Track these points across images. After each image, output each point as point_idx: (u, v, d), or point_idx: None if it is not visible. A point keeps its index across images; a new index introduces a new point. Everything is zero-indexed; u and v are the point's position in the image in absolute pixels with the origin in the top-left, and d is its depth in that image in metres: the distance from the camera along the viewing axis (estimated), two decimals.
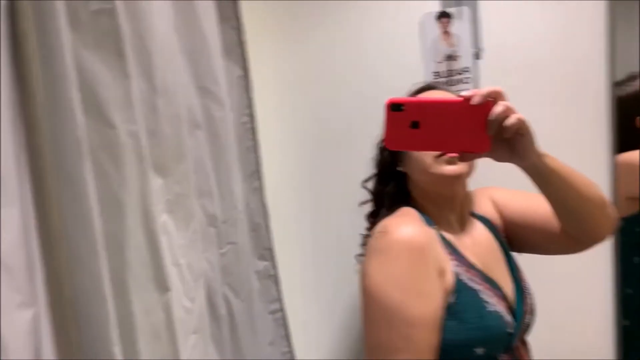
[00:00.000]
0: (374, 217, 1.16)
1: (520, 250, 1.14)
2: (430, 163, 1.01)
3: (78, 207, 0.77)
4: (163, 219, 0.97)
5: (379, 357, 0.92)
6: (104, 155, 0.84)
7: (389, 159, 1.13)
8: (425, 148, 0.91)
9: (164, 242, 0.94)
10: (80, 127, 0.77)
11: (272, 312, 1.39)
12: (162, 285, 0.92)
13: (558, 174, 0.87)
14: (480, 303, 0.95)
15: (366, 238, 1.13)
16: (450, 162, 0.99)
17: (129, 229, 0.87)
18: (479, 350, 0.94)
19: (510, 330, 0.96)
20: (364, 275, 0.98)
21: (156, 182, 0.96)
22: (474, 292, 0.96)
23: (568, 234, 1.02)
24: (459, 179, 1.03)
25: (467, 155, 0.83)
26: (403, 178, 1.11)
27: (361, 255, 1.11)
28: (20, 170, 0.70)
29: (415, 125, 0.77)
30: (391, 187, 1.13)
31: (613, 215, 1.01)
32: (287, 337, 1.41)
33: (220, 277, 1.21)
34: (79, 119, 0.77)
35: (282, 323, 1.41)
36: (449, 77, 1.41)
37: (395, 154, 1.10)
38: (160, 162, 0.97)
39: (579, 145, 1.36)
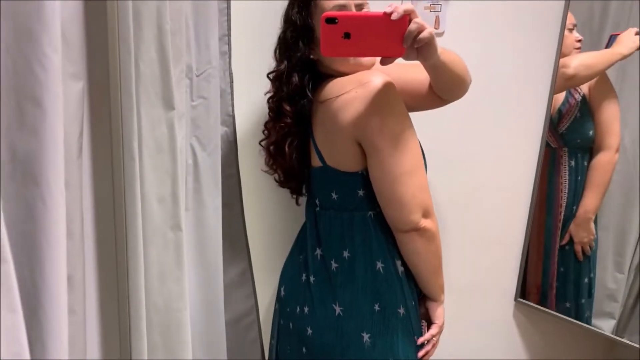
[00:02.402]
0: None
1: None
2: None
3: None
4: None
5: (407, 178, 1.12)
6: None
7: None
8: (355, 54, 1.09)
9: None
10: None
11: (227, 177, 1.46)
12: (168, 103, 0.96)
13: (447, 65, 1.13)
14: None
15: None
16: None
17: None
18: None
19: None
20: (376, 126, 1.11)
21: None
22: None
23: (437, 96, 1.29)
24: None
25: (386, 59, 1.03)
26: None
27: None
28: None
29: (347, 35, 0.97)
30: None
31: (469, 83, 1.29)
32: (240, 200, 1.49)
33: (190, 129, 1.25)
34: None
35: (237, 188, 1.48)
36: None
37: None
38: None
39: None
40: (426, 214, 1.16)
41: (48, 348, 0.66)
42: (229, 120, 1.43)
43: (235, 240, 1.50)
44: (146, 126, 0.88)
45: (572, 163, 1.63)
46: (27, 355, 0.54)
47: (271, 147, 1.32)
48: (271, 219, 1.60)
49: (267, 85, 1.31)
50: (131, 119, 0.84)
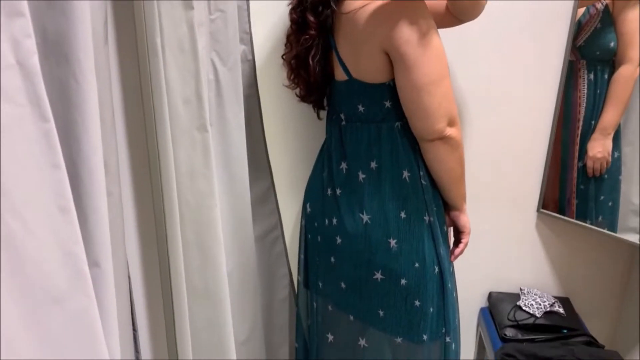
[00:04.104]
0: None
1: None
2: None
3: None
4: None
5: (434, 87, 1.13)
6: None
7: None
8: None
9: None
10: None
11: (247, 97, 1.48)
12: (187, 3, 0.97)
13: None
14: None
15: None
16: None
17: None
18: None
19: None
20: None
21: None
22: None
23: (453, 16, 1.30)
24: None
25: None
26: None
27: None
28: None
29: None
30: None
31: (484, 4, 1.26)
32: (260, 119, 1.51)
33: (209, 42, 1.27)
34: None
35: (257, 107, 1.50)
36: None
37: None
38: None
39: None
40: (451, 123, 1.17)
41: (90, 222, 0.70)
42: (247, 37, 1.44)
43: (258, 159, 1.54)
44: (167, 24, 0.90)
45: (591, 76, 1.60)
46: (74, 213, 0.58)
47: (293, 61, 1.34)
48: (292, 137, 1.62)
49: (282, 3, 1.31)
50: (152, 16, 0.86)
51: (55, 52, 0.65)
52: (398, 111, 1.22)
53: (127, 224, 0.89)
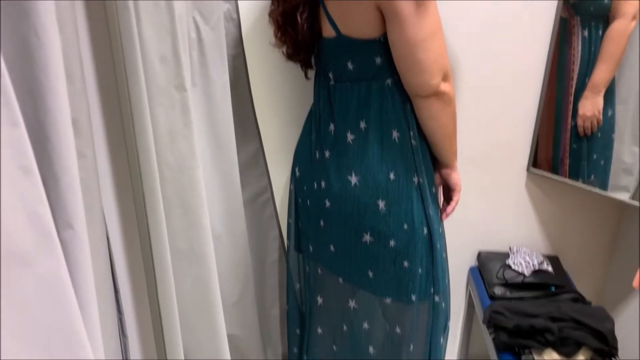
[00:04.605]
0: None
1: None
2: None
3: None
4: None
5: (429, 43, 1.10)
6: None
7: None
8: None
9: None
10: None
11: (233, 57, 1.45)
12: None
13: None
14: None
15: None
16: None
17: None
18: None
19: None
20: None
21: None
22: None
23: None
24: None
25: None
26: None
27: None
28: None
29: None
30: None
31: None
32: (247, 80, 1.48)
33: (191, 3, 1.23)
34: None
35: (243, 68, 1.47)
36: None
37: None
38: None
39: None
40: (445, 78, 1.16)
41: (61, 183, 0.69)
42: None
43: (245, 121, 1.52)
44: None
45: (586, 33, 1.56)
46: (36, 170, 0.56)
47: (279, 18, 1.30)
48: (281, 98, 1.59)
49: None
50: None
51: (15, 7, 0.62)
52: (389, 67, 1.19)
53: (103, 186, 0.88)
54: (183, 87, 0.98)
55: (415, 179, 1.24)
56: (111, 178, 0.89)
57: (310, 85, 1.42)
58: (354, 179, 1.25)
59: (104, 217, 0.89)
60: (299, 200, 1.44)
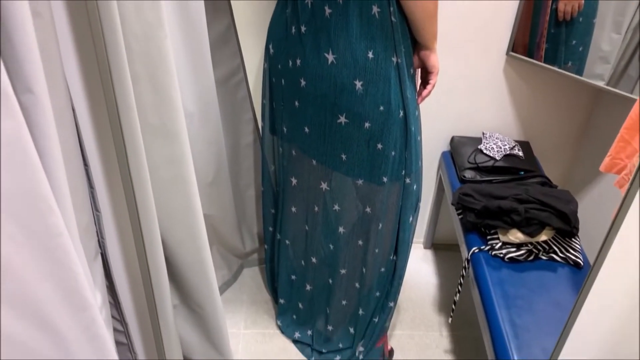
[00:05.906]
0: None
1: None
2: None
3: None
4: None
5: None
6: None
7: None
8: None
9: None
10: None
11: None
12: None
13: None
14: None
15: None
16: None
17: None
18: None
19: None
20: None
21: None
22: None
23: None
24: None
25: None
26: None
27: None
28: None
29: None
30: None
31: None
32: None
33: None
34: None
35: None
36: None
37: None
38: None
39: None
40: None
41: (15, 43, 0.65)
42: None
43: None
44: None
45: None
46: None
47: None
48: None
49: None
50: None
51: None
52: None
53: (64, 54, 0.83)
54: None
55: (394, 59, 1.20)
56: (73, 45, 0.83)
57: None
58: (330, 57, 1.20)
59: (68, 87, 0.85)
60: (273, 79, 1.40)
